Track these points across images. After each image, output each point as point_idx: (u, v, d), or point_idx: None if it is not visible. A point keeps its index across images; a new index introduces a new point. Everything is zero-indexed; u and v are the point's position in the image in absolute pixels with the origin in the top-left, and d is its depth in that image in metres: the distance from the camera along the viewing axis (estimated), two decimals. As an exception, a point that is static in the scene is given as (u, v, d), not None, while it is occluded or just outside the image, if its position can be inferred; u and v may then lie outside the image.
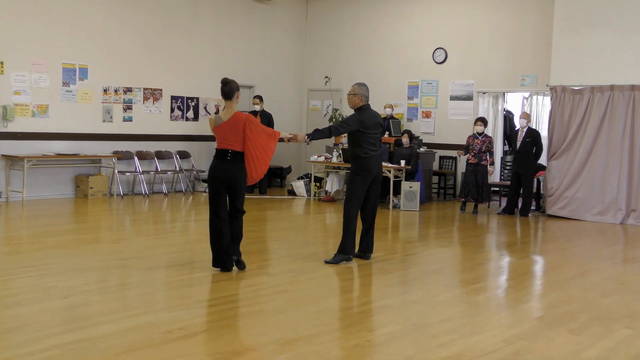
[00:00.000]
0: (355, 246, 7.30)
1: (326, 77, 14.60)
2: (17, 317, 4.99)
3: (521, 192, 11.79)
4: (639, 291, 6.77)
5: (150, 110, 13.14)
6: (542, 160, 11.93)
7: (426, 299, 6.03)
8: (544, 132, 12.29)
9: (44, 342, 4.41)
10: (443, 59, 14.19)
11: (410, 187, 11.89)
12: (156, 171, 13.02)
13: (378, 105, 13.39)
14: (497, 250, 9.02)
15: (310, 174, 13.43)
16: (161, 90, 13.28)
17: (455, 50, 14.06)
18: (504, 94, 13.65)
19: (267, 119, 13.19)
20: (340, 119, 13.00)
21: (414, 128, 14.14)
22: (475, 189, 11.61)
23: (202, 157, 13.98)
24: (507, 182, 12.60)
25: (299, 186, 13.53)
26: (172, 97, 13.50)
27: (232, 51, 14.52)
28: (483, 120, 11.87)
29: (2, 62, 10.98)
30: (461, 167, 13.02)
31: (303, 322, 5.13)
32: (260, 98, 13.67)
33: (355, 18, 15.37)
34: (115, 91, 12.57)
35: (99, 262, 6.99)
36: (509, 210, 11.78)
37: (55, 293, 5.68)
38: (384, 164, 12.13)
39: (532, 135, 11.64)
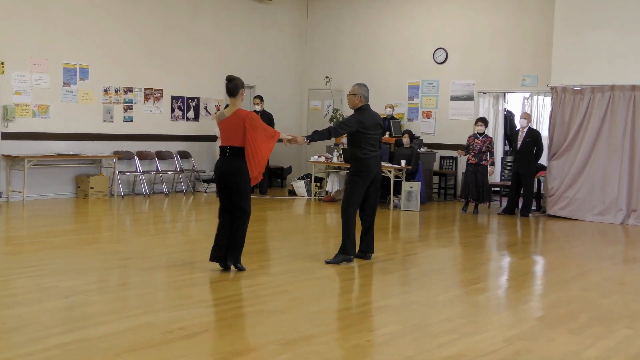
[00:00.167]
0: (355, 246, 7.30)
1: (326, 77, 14.61)
2: (17, 317, 4.99)
3: (522, 192, 11.79)
4: (639, 291, 6.76)
5: (151, 111, 13.14)
6: (543, 160, 11.93)
7: (426, 299, 6.03)
8: (544, 132, 12.29)
9: (44, 342, 4.41)
10: (444, 59, 14.19)
11: (411, 187, 11.89)
12: (157, 171, 13.03)
13: (378, 105, 13.41)
14: (497, 251, 9.02)
15: (311, 174, 13.43)
16: (162, 90, 13.29)
17: (455, 50, 14.05)
18: (504, 94, 13.65)
19: (267, 119, 13.17)
20: (340, 119, 13.01)
21: (414, 128, 14.14)
22: (475, 189, 11.61)
23: (203, 157, 13.99)
24: (507, 183, 12.60)
25: (300, 186, 13.53)
26: (173, 97, 13.50)
27: (232, 51, 14.52)
28: (484, 121, 11.87)
29: (2, 62, 10.98)
30: (462, 167, 13.02)
31: (303, 322, 5.13)
32: (260, 98, 13.67)
33: (356, 18, 15.37)
34: (116, 91, 12.57)
35: (99, 262, 7.00)
36: (509, 211, 11.78)
37: (56, 293, 5.69)
38: (384, 164, 12.15)
39: (533, 135, 11.64)
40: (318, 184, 13.39)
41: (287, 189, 14.36)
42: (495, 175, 13.16)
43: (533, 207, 12.00)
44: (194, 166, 13.66)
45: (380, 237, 8.82)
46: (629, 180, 11.07)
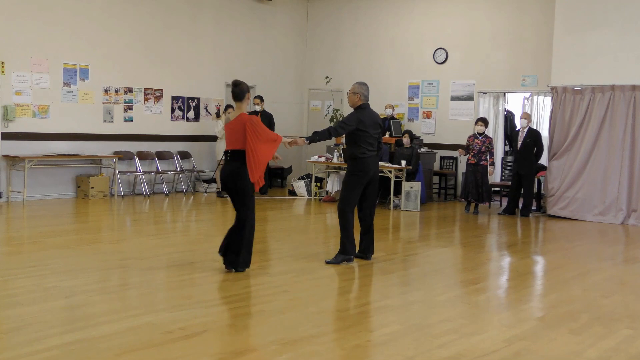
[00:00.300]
0: (355, 246, 7.29)
1: (327, 77, 14.61)
2: (17, 317, 4.99)
3: (522, 192, 11.79)
4: (639, 291, 6.76)
5: (151, 111, 13.14)
6: (543, 160, 11.93)
7: (427, 299, 6.03)
8: (544, 132, 12.30)
9: (44, 343, 4.41)
10: (444, 59, 14.19)
11: (411, 188, 11.89)
12: (157, 171, 13.03)
13: (379, 105, 13.40)
14: (498, 251, 9.02)
15: (311, 174, 13.43)
16: (162, 90, 13.29)
17: (456, 50, 14.06)
18: (504, 94, 13.65)
19: (267, 119, 13.19)
20: (340, 119, 13.01)
21: (414, 128, 14.15)
22: (475, 189, 11.61)
23: (203, 157, 13.99)
24: (507, 183, 12.61)
25: (300, 186, 13.54)
26: (173, 98, 13.50)
27: (232, 51, 14.53)
28: (484, 121, 11.87)
29: (3, 63, 10.98)
30: (462, 167, 13.02)
31: (304, 323, 5.13)
32: (260, 98, 13.67)
33: (356, 18, 15.38)
34: (116, 91, 12.57)
35: (99, 263, 7.00)
36: (509, 211, 11.78)
37: (56, 293, 5.69)
38: (384, 164, 12.16)
39: (533, 135, 11.65)
40: (318, 184, 13.39)
41: (287, 189, 14.37)
42: (495, 176, 13.17)
43: (533, 207, 12.00)
44: (194, 166, 13.66)
45: (380, 237, 8.82)
46: (629, 180, 11.07)
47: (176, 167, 13.40)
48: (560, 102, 11.67)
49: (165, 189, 13.12)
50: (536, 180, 12.05)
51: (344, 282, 6.63)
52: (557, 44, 11.74)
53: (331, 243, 8.43)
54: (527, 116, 11.90)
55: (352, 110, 7.34)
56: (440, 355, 4.46)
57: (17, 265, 6.80)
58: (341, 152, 12.72)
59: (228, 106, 13.40)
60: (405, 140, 12.66)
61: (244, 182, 6.42)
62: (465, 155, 11.90)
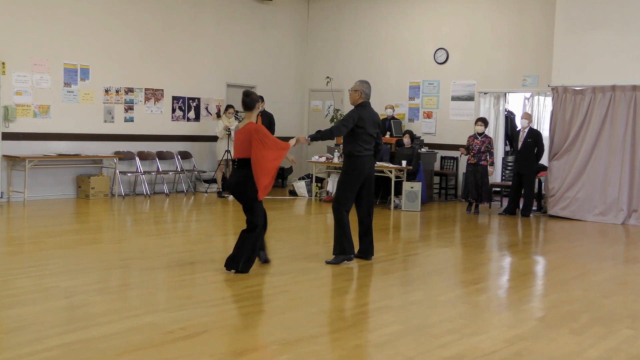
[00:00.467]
0: (353, 244, 7.22)
1: (327, 77, 14.61)
2: (18, 317, 4.99)
3: (522, 192, 11.79)
4: (640, 291, 6.77)
5: (152, 111, 13.14)
6: (544, 160, 11.93)
7: (427, 299, 6.03)
8: (545, 133, 12.29)
9: (45, 343, 4.41)
10: (444, 59, 14.19)
11: (412, 188, 11.89)
12: (157, 171, 13.03)
13: (379, 105, 13.41)
14: (498, 251, 9.01)
15: (312, 175, 13.43)
16: (162, 90, 13.29)
17: (456, 50, 14.05)
18: (505, 94, 13.65)
19: (268, 120, 13.20)
20: (341, 119, 13.00)
21: (415, 128, 14.14)
22: (475, 189, 11.61)
23: (204, 157, 13.99)
24: (508, 183, 12.60)
25: (300, 186, 13.54)
26: (174, 98, 13.50)
27: (233, 51, 14.53)
28: (483, 121, 11.87)
29: (3, 63, 10.98)
30: (462, 167, 13.01)
31: (304, 323, 5.13)
32: (261, 98, 13.62)
33: (357, 18, 15.38)
34: (117, 91, 12.57)
35: (100, 263, 7.00)
36: (510, 211, 11.78)
37: (57, 293, 5.69)
38: (385, 164, 12.16)
39: (534, 135, 11.64)
40: (319, 184, 13.39)
41: (287, 189, 14.37)
42: (496, 176, 13.17)
43: (534, 208, 12.00)
44: (194, 166, 13.67)
45: (381, 238, 8.83)
46: (630, 181, 11.07)
47: (177, 167, 13.40)
48: (560, 102, 11.66)
49: (165, 189, 13.13)
50: (537, 180, 12.05)
51: (345, 282, 6.63)
52: (558, 44, 11.73)
53: (331, 243, 8.37)
54: (527, 116, 11.90)
55: (352, 108, 7.34)
56: (440, 356, 4.46)
57: (18, 265, 6.80)
58: (342, 152, 12.71)
59: (229, 106, 13.40)
60: (406, 140, 12.65)
61: (251, 190, 6.50)
62: (466, 155, 11.89)
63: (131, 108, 12.81)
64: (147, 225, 10.00)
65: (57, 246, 7.87)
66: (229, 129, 13.00)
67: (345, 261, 7.17)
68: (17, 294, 5.65)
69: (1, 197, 11.07)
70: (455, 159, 13.83)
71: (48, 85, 11.58)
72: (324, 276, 6.74)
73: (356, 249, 7.42)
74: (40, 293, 5.68)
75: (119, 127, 12.63)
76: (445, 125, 14.15)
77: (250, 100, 6.68)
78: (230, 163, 13.05)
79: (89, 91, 12.15)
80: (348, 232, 7.14)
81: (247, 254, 6.54)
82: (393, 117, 13.88)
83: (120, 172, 12.30)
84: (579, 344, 4.83)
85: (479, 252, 8.54)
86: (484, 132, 11.71)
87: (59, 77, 11.72)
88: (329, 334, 4.95)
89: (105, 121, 12.44)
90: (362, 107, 7.21)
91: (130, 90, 12.77)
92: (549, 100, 12.62)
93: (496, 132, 13.50)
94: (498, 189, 13.27)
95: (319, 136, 7.22)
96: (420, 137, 13.70)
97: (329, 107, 15.33)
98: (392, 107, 14.00)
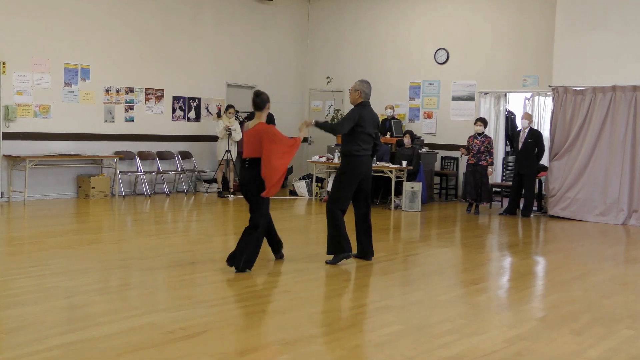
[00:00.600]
0: (349, 241, 7.16)
1: (328, 77, 14.61)
2: (18, 317, 4.99)
3: (523, 192, 11.79)
4: (640, 292, 6.77)
5: (152, 111, 13.15)
6: (544, 160, 11.93)
7: (427, 299, 6.03)
8: (545, 133, 12.29)
9: (45, 343, 4.41)
10: (445, 60, 14.19)
11: (412, 188, 11.89)
12: (158, 171, 13.03)
13: (379, 105, 13.42)
14: (498, 251, 9.01)
15: (312, 175, 13.43)
16: (163, 90, 13.29)
17: (457, 50, 14.05)
18: (505, 94, 13.65)
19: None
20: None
21: (415, 128, 14.14)
22: (474, 189, 11.61)
23: (204, 157, 14.00)
24: (508, 183, 12.60)
25: (301, 186, 13.54)
26: (174, 98, 13.51)
27: (233, 51, 14.53)
28: (483, 121, 11.87)
29: (4, 63, 10.98)
30: (463, 167, 13.01)
31: (305, 323, 5.13)
32: (261, 98, 13.65)
33: (357, 18, 15.37)
34: (117, 91, 12.58)
35: (100, 263, 7.00)
36: (510, 211, 11.78)
37: (57, 293, 5.69)
38: (385, 164, 12.16)
39: (534, 135, 11.65)
40: (319, 184, 13.39)
41: (288, 189, 14.36)
42: (496, 176, 13.17)
43: (534, 208, 12.00)
44: (195, 166, 13.67)
45: (381, 238, 8.83)
46: (630, 181, 11.07)
47: (177, 167, 13.40)
48: (561, 103, 11.66)
49: (166, 189, 13.13)
50: (537, 180, 12.05)
51: (345, 283, 6.63)
52: (558, 45, 11.73)
53: (332, 243, 8.41)
54: (528, 116, 11.90)
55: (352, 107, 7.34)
56: (440, 356, 4.46)
57: (18, 265, 6.80)
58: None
59: (229, 106, 13.41)
60: (406, 140, 12.65)
61: (262, 189, 6.59)
62: (466, 155, 11.90)
63: (131, 108, 12.81)
64: (148, 225, 10.00)
65: (57, 246, 7.87)
66: (230, 128, 13.01)
67: (345, 259, 7.15)
68: (17, 294, 5.65)
69: (1, 197, 11.08)
70: (456, 159, 13.82)
71: (48, 85, 11.59)
72: (324, 276, 6.74)
73: (356, 249, 7.42)
74: (41, 293, 5.68)
75: (119, 127, 12.64)
76: (446, 125, 14.14)
77: (260, 100, 6.82)
78: (231, 163, 13.07)
79: (90, 91, 12.15)
80: (343, 229, 7.11)
81: (247, 253, 6.54)
82: (393, 117, 13.88)
83: (120, 172, 12.31)
84: (579, 344, 4.83)
85: (479, 252, 8.54)
86: (483, 132, 11.71)
87: (59, 77, 11.72)
88: (329, 334, 4.95)
89: (105, 121, 12.44)
90: (362, 107, 7.21)
91: (130, 90, 12.77)
92: (549, 101, 12.62)
93: (497, 133, 13.50)
94: (498, 189, 13.27)
95: (323, 125, 7.19)
96: (420, 137, 13.70)
97: (330, 107, 15.33)
98: (393, 107, 13.99)
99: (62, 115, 11.76)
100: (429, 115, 14.41)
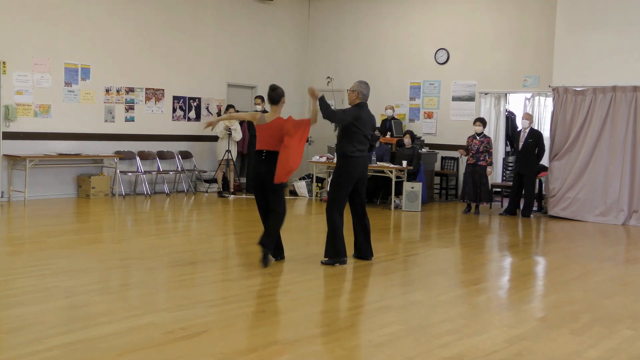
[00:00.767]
0: (345, 246, 7.15)
1: (328, 77, 14.61)
2: (18, 317, 4.99)
3: (523, 192, 11.79)
4: (641, 292, 6.77)
5: (152, 111, 13.15)
6: (544, 161, 11.93)
7: (428, 299, 6.03)
8: (546, 133, 12.29)
9: (45, 343, 4.41)
10: (445, 60, 14.19)
11: (412, 188, 11.89)
12: (158, 171, 13.03)
13: (379, 105, 13.43)
14: (499, 251, 9.01)
15: (312, 175, 13.43)
16: (163, 90, 13.29)
17: (457, 50, 14.05)
18: (506, 94, 13.65)
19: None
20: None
21: (415, 129, 14.14)
22: (473, 189, 11.61)
23: (204, 157, 14.00)
24: (509, 183, 12.60)
25: (301, 186, 13.54)
26: (174, 97, 13.51)
27: (233, 51, 14.53)
28: (482, 121, 11.87)
29: (4, 62, 10.99)
30: (463, 167, 13.01)
31: (305, 323, 5.13)
32: (262, 98, 13.63)
33: (357, 18, 15.37)
34: (117, 91, 12.58)
35: (100, 262, 7.00)
36: (510, 211, 11.78)
37: (57, 293, 5.69)
38: (385, 164, 12.16)
39: (535, 136, 11.65)
40: (319, 184, 13.39)
41: (288, 189, 14.36)
42: (496, 176, 13.17)
43: (534, 208, 12.00)
44: (195, 166, 13.67)
45: (381, 238, 8.83)
46: (631, 181, 11.07)
47: (177, 167, 13.40)
48: (561, 103, 11.66)
49: (166, 188, 13.13)
50: (537, 180, 12.05)
51: (345, 283, 6.63)
52: (559, 45, 11.73)
53: (332, 243, 8.41)
54: (528, 117, 11.90)
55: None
56: (440, 356, 4.46)
57: (18, 265, 6.80)
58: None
59: (229, 106, 13.41)
60: (407, 140, 12.65)
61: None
62: (465, 155, 11.90)
63: (132, 108, 12.81)
64: (148, 225, 10.00)
65: (57, 246, 7.88)
66: (230, 128, 13.01)
67: (338, 264, 7.12)
68: (17, 293, 5.65)
69: (2, 197, 11.08)
70: (456, 160, 13.82)
71: (49, 84, 11.59)
72: (324, 276, 6.74)
73: (356, 249, 7.42)
74: (41, 293, 5.68)
75: (119, 126, 12.64)
76: (446, 125, 14.14)
77: (275, 94, 7.00)
78: (231, 163, 13.07)
79: (90, 91, 12.15)
80: (341, 234, 7.11)
81: (274, 236, 6.90)
82: (393, 118, 13.88)
83: (120, 171, 12.31)
84: (580, 344, 4.83)
85: (479, 253, 8.54)
86: (482, 132, 11.72)
87: (59, 76, 11.72)
88: (329, 334, 4.95)
89: (105, 121, 12.44)
90: (360, 108, 7.21)
91: (130, 90, 12.77)
92: (549, 101, 12.62)
93: (497, 133, 13.50)
94: (498, 190, 13.27)
95: (325, 106, 7.06)
96: (420, 137, 13.70)
97: (330, 107, 15.31)
98: (393, 108, 14.00)
99: (62, 115, 11.76)
100: (429, 116, 14.41)
